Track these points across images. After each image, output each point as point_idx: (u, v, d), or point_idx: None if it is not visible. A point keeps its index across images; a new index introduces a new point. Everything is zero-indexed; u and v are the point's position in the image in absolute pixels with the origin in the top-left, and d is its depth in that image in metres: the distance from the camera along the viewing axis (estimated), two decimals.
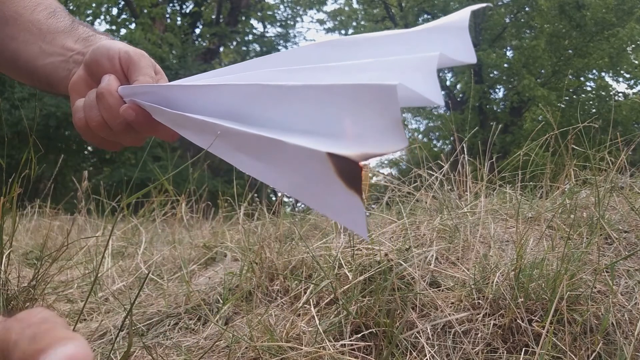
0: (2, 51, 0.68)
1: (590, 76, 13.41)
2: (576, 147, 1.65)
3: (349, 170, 0.36)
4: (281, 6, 16.48)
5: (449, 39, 0.49)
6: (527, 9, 13.31)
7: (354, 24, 16.74)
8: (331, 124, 0.41)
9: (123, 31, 12.62)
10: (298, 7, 16.65)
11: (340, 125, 0.40)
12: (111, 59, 0.61)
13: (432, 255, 1.20)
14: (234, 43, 15.17)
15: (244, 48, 15.22)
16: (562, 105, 11.60)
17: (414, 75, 0.41)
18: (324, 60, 0.50)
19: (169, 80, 0.60)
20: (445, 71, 14.29)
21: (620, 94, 13.32)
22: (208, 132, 0.49)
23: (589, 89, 13.50)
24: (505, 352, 0.97)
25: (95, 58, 0.62)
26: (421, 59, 0.42)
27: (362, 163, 0.36)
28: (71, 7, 11.44)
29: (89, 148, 9.88)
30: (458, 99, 14.34)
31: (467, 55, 0.49)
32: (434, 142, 14.96)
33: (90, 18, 12.40)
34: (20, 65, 0.67)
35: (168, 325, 1.20)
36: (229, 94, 0.49)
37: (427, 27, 0.50)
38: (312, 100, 0.42)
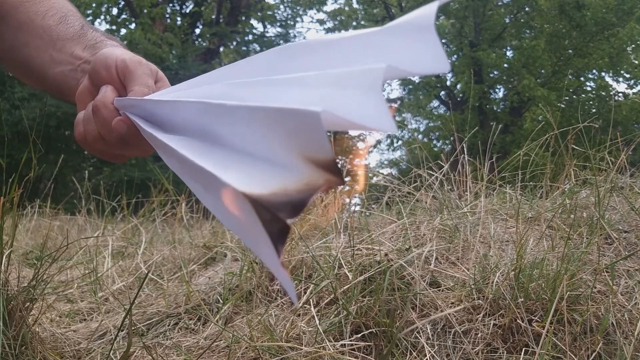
0: (15, 58, 0.66)
1: (590, 76, 13.40)
2: (576, 147, 1.65)
3: (269, 220, 0.28)
4: (281, 6, 16.48)
5: (412, 42, 0.37)
6: (527, 9, 13.30)
7: (354, 23, 16.72)
8: (261, 151, 0.34)
9: (123, 31, 12.62)
10: (298, 7, 16.64)
11: (266, 155, 0.33)
12: (108, 69, 0.58)
13: (432, 255, 1.20)
14: (234, 43, 15.17)
15: (244, 48, 15.22)
16: (562, 105, 11.59)
17: (354, 94, 0.32)
18: (280, 70, 0.42)
19: (170, 82, 0.58)
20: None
21: (620, 94, 13.31)
22: (169, 155, 0.43)
23: (589, 89, 13.49)
24: (505, 352, 0.97)
25: (95, 67, 0.59)
26: (364, 72, 0.33)
27: (289, 220, 0.28)
28: None
29: None
30: (458, 99, 14.34)
31: (435, 63, 0.36)
32: (434, 142, 14.95)
33: (90, 18, 12.40)
34: (32, 72, 0.66)
35: (168, 325, 1.20)
36: (188, 111, 0.44)
37: (389, 27, 0.38)
38: (247, 122, 0.35)
